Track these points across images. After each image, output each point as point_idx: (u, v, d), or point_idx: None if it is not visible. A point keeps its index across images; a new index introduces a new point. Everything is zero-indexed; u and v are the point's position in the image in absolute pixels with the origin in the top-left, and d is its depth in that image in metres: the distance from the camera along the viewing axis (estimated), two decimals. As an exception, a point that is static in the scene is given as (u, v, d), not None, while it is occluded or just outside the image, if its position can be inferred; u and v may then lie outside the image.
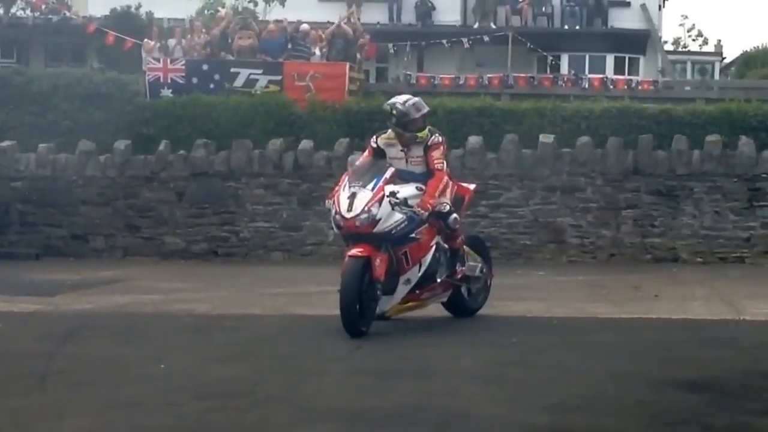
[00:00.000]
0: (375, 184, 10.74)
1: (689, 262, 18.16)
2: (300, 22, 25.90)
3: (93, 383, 9.40)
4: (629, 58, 37.03)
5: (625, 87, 27.11)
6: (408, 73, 30.32)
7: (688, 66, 49.77)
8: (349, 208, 10.54)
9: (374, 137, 11.57)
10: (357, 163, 11.65)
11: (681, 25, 74.31)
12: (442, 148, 11.27)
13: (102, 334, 11.71)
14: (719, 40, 55.27)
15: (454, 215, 11.24)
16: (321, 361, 9.85)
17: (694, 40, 59.74)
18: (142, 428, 7.90)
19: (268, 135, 19.82)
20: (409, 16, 37.60)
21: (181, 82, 22.89)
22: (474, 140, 18.94)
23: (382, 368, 9.60)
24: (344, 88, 22.83)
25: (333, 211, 10.82)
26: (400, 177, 11.07)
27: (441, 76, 28.21)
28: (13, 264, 17.46)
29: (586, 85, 27.17)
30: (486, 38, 35.01)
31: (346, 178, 11.00)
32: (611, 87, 26.87)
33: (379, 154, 11.40)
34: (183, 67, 23.24)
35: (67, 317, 12.72)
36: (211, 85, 22.74)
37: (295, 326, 12.02)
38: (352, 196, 10.61)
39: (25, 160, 19.38)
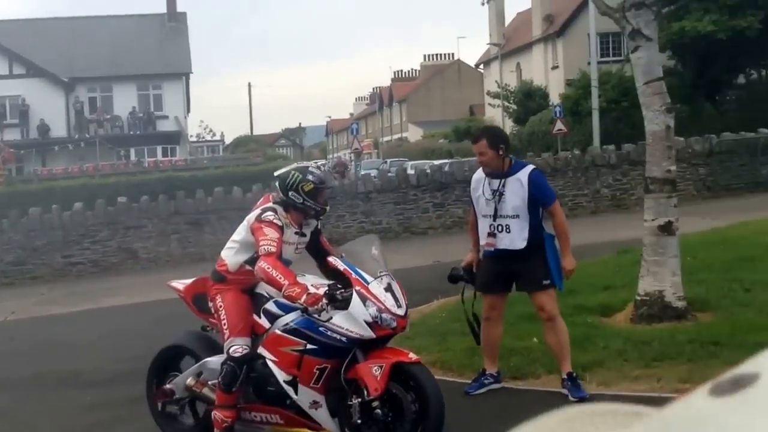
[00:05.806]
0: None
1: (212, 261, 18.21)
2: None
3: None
4: (170, 147, 36.86)
5: (169, 164, 27.07)
6: (36, 168, 28.62)
7: (205, 148, 50.20)
8: (398, 304, 4.71)
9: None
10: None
11: (200, 125, 74.91)
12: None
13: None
14: (222, 132, 56.02)
15: None
16: None
17: (208, 133, 60.15)
18: None
19: None
20: (33, 133, 35.38)
21: None
22: (77, 205, 18.04)
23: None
24: (-4, 181, 21.13)
25: (374, 309, 4.59)
26: None
27: (56, 168, 26.85)
28: None
29: (146, 165, 26.85)
30: (82, 144, 33.90)
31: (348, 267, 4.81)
32: (161, 165, 26.70)
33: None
34: None
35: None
36: None
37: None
38: (389, 288, 4.75)
39: None
